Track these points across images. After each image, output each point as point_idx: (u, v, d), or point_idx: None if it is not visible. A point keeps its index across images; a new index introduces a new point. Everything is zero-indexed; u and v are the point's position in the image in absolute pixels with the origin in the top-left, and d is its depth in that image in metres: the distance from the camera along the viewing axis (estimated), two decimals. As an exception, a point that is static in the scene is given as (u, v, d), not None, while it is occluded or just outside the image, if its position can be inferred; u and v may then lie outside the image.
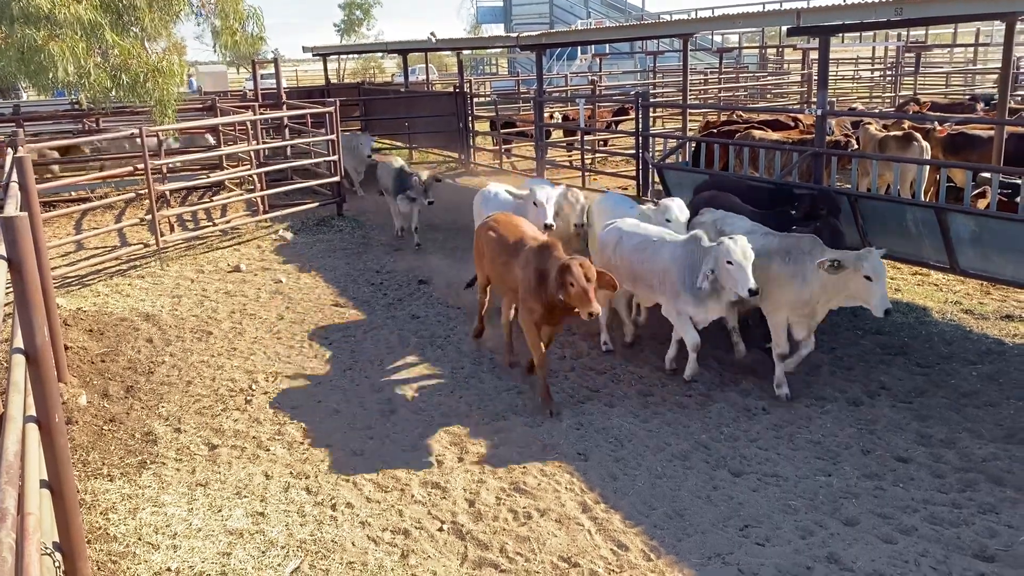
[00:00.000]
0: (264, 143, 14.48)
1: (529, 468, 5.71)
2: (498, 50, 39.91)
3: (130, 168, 11.97)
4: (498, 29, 48.12)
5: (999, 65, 11.77)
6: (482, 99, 21.72)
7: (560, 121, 17.95)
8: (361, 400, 6.95)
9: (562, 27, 38.34)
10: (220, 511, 5.33)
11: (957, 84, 23.64)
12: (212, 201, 14.05)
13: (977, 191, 9.01)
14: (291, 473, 5.79)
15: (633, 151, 13.28)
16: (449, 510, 5.27)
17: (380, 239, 12.42)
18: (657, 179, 11.75)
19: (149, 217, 11.08)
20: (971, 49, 25.23)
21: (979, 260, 7.62)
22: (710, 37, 34.79)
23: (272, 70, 19.80)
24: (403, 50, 21.47)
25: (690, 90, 16.37)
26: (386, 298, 9.66)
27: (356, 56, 41.40)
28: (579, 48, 34.07)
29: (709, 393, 6.71)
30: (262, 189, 13.30)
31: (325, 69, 23.92)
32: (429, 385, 7.21)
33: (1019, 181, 8.24)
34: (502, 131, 17.63)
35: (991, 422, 6.03)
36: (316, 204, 13.67)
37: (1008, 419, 6.04)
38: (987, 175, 9.27)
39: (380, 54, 37.01)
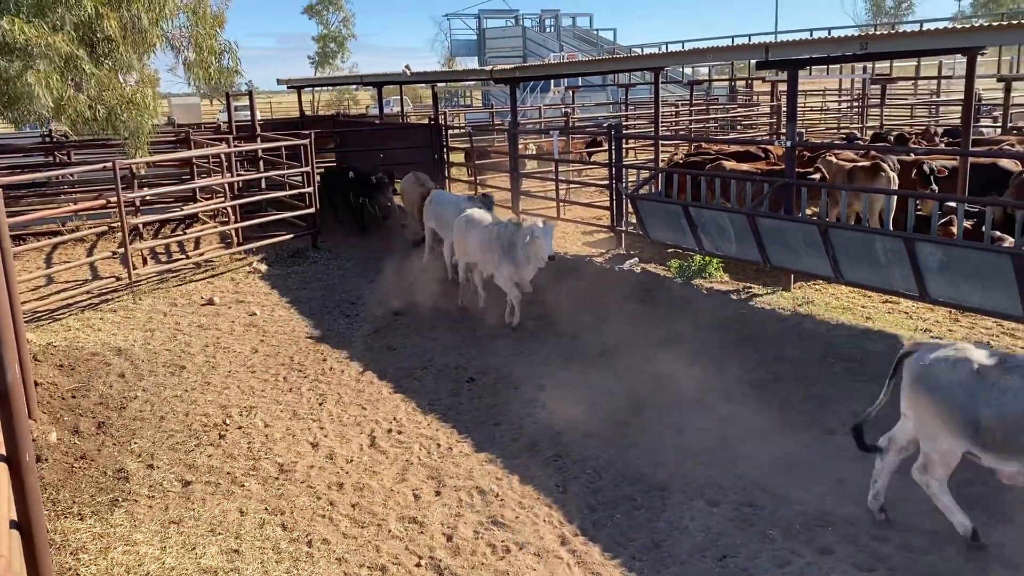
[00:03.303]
0: (238, 175, 14.44)
1: (507, 501, 5.69)
2: (472, 82, 40.27)
3: (103, 201, 11.88)
4: (472, 62, 48.53)
5: (962, 97, 12.06)
6: (457, 131, 21.86)
7: (535, 152, 18.11)
8: (338, 434, 6.90)
9: (535, 60, 38.78)
10: (194, 549, 5.25)
11: (921, 115, 24.17)
12: (185, 234, 13.96)
13: (944, 220, 9.19)
14: (266, 509, 5.72)
15: (607, 182, 13.40)
16: (427, 545, 5.23)
17: (355, 270, 12.39)
18: (631, 209, 11.86)
19: (121, 250, 10.99)
20: (934, 81, 25.82)
21: (947, 288, 7.74)
22: (681, 70, 35.35)
23: (246, 102, 19.82)
24: (378, 83, 21.58)
25: (661, 122, 16.58)
26: (362, 330, 9.63)
27: (330, 88, 41.56)
28: (552, 81, 34.46)
29: (684, 422, 6.74)
30: (236, 221, 13.24)
31: (300, 101, 23.97)
32: (406, 418, 7.18)
33: (984, 210, 8.41)
34: (477, 162, 17.73)
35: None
36: (291, 236, 13.62)
37: (979, 445, 6.11)
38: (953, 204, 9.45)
39: (355, 86, 37.17)
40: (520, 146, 16.67)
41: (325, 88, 39.67)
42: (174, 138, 16.69)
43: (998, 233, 8.42)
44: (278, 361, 8.66)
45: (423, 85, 34.78)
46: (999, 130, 15.99)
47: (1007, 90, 16.31)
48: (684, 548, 5.04)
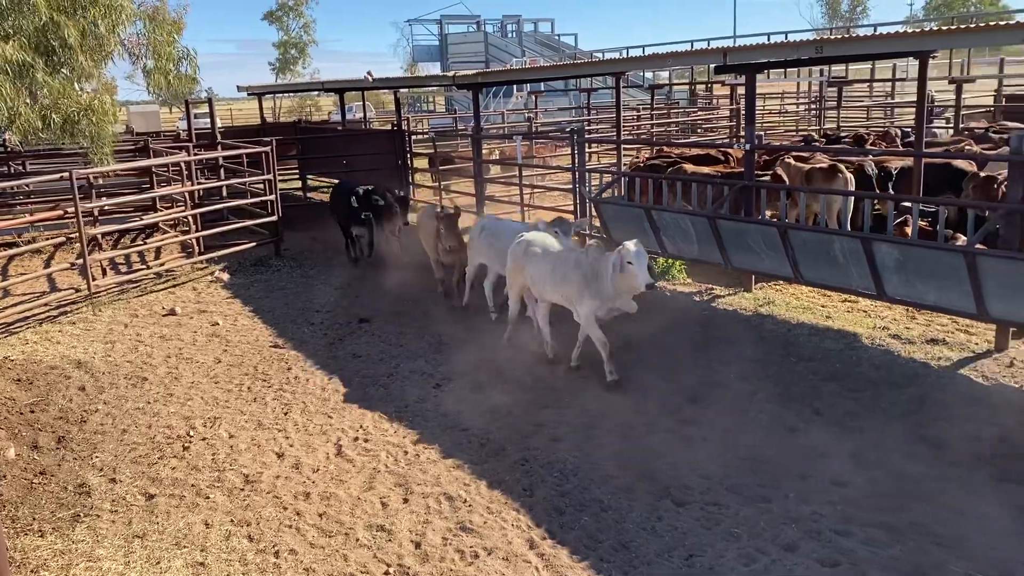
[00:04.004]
0: (199, 184, 14.28)
1: (475, 506, 5.70)
2: (435, 88, 40.24)
3: (60, 211, 11.68)
4: (434, 67, 48.55)
5: (915, 99, 12.32)
6: (420, 136, 21.83)
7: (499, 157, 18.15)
8: (303, 443, 6.86)
9: (498, 65, 38.90)
10: (159, 563, 5.18)
11: (877, 117, 24.65)
12: (146, 244, 13.77)
13: (899, 220, 9.38)
14: (232, 521, 5.67)
15: (570, 186, 13.48)
16: (395, 552, 5.22)
17: (319, 278, 12.32)
18: (595, 213, 11.94)
19: (80, 261, 10.81)
20: (889, 84, 26.35)
21: (904, 286, 7.91)
22: (642, 74, 35.66)
23: (206, 109, 19.61)
24: (340, 89, 21.49)
25: (623, 126, 16.72)
26: (327, 338, 9.57)
27: (292, 95, 41.26)
28: (515, 86, 34.56)
29: (652, 423, 6.80)
30: (197, 230, 13.10)
31: (260, 108, 23.78)
32: (373, 425, 7.16)
33: (937, 210, 8.60)
34: (441, 168, 17.72)
35: (922, 444, 6.24)
36: (253, 244, 13.51)
37: (937, 440, 6.26)
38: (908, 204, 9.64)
39: (316, 92, 36.94)
40: (484, 151, 16.71)
41: (286, 95, 39.39)
42: (133, 147, 16.46)
43: (952, 232, 8.63)
44: (242, 371, 8.57)
45: (386, 91, 34.70)
46: (951, 131, 16.36)
47: (958, 92, 16.68)
48: (651, 548, 5.08)
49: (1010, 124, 16.18)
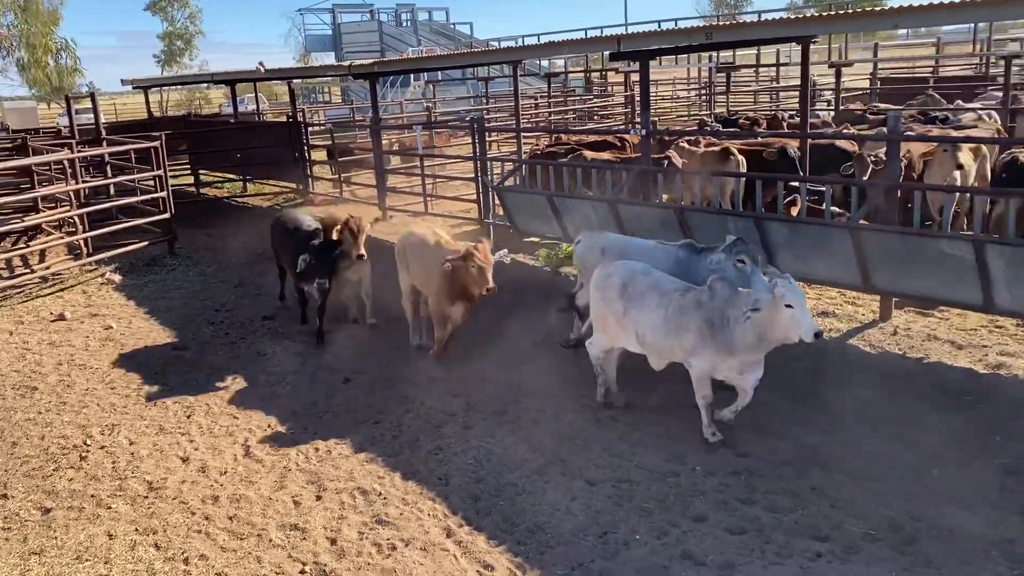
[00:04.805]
0: (84, 182, 13.62)
1: (390, 499, 5.68)
2: (330, 78, 39.49)
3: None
4: (328, 57, 47.63)
5: (799, 83, 12.86)
6: (317, 128, 21.41)
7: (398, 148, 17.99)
8: (209, 445, 6.67)
9: (393, 55, 38.47)
10: (59, 579, 4.96)
11: (764, 101, 25.59)
12: (29, 247, 13.05)
13: (789, 199, 9.78)
14: (137, 530, 5.47)
15: (472, 175, 13.50)
16: (310, 551, 5.15)
17: (218, 276, 11.96)
18: (498, 202, 12.00)
19: (-45, 268, 10.18)
20: (774, 69, 27.37)
21: (795, 262, 8.25)
22: (538, 62, 35.93)
23: (89, 104, 18.71)
24: (231, 80, 20.84)
25: (522, 114, 16.84)
26: (228, 337, 9.32)
27: (180, 87, 39.78)
28: (412, 75, 34.26)
29: (561, 406, 6.90)
30: (85, 231, 12.50)
31: (147, 102, 22.83)
32: (282, 424, 7.02)
33: (824, 189, 9.01)
34: (340, 159, 17.44)
35: (818, 413, 6.54)
36: (145, 243, 12.99)
37: (832, 409, 6.57)
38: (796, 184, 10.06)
39: (206, 84, 35.71)
40: (384, 142, 16.54)
41: (174, 88, 37.91)
42: (10, 145, 15.56)
43: (837, 209, 9.05)
44: (140, 375, 8.26)
45: (279, 82, 33.86)
46: (832, 113, 17.14)
47: (837, 75, 17.49)
48: (567, 528, 5.18)
49: (882, 105, 17.08)
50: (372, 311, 9.26)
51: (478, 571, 4.84)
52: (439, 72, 30.06)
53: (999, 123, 12.98)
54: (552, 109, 24.48)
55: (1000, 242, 6.77)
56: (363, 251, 8.49)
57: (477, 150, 12.80)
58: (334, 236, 8.65)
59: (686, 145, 11.93)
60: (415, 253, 8.15)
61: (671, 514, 5.27)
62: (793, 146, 11.09)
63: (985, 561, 4.62)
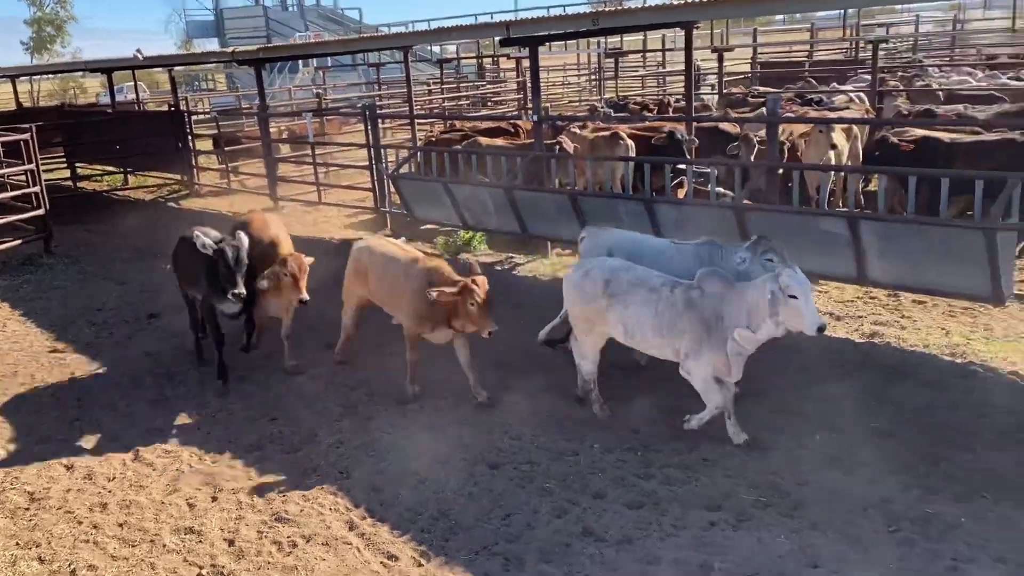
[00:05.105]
0: (-55, 178, 12.74)
1: (290, 495, 5.57)
2: (214, 65, 38.14)
3: None
4: (211, 44, 45.97)
5: (683, 68, 13.20)
6: (201, 116, 20.65)
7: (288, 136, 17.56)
8: (96, 451, 6.38)
9: (279, 40, 37.42)
10: (-68, 602, 4.66)
11: (651, 86, 26.18)
12: None
13: (676, 181, 10.07)
14: (18, 544, 5.20)
15: (366, 163, 13.32)
16: (207, 553, 5.01)
17: (99, 274, 11.40)
18: (394, 189, 11.90)
19: None
20: (660, 54, 28.01)
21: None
22: (429, 48, 35.68)
23: (-53, 95, 17.48)
24: (107, 68, 19.85)
25: (415, 100, 16.70)
26: (112, 337, 8.92)
27: (53, 76, 37.65)
28: (301, 62, 33.44)
29: (461, 393, 6.91)
30: (-52, 231, 11.71)
31: (15, 92, 21.53)
32: (173, 425, 6.78)
33: (709, 171, 9.30)
34: (227, 148, 16.88)
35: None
36: (18, 242, 12.26)
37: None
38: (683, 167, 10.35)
39: (80, 73, 33.89)
40: (273, 130, 16.11)
41: (45, 77, 35.85)
42: None
43: (723, 190, 9.38)
44: (17, 382, 7.81)
45: (160, 70, 32.48)
46: (717, 97, 17.70)
47: (720, 60, 18.04)
48: (470, 513, 5.21)
49: (762, 89, 17.74)
50: (292, 352, 7.75)
51: (382, 562, 4.81)
52: (329, 58, 29.47)
53: (867, 105, 13.69)
54: (445, 95, 24.37)
55: (872, 218, 7.17)
56: (306, 295, 7.16)
57: (370, 137, 12.63)
58: (265, 284, 7.21)
59: (577, 131, 12.10)
60: (380, 270, 7.10)
61: (571, 492, 5.36)
62: (682, 130, 11.39)
63: (864, 520, 4.90)
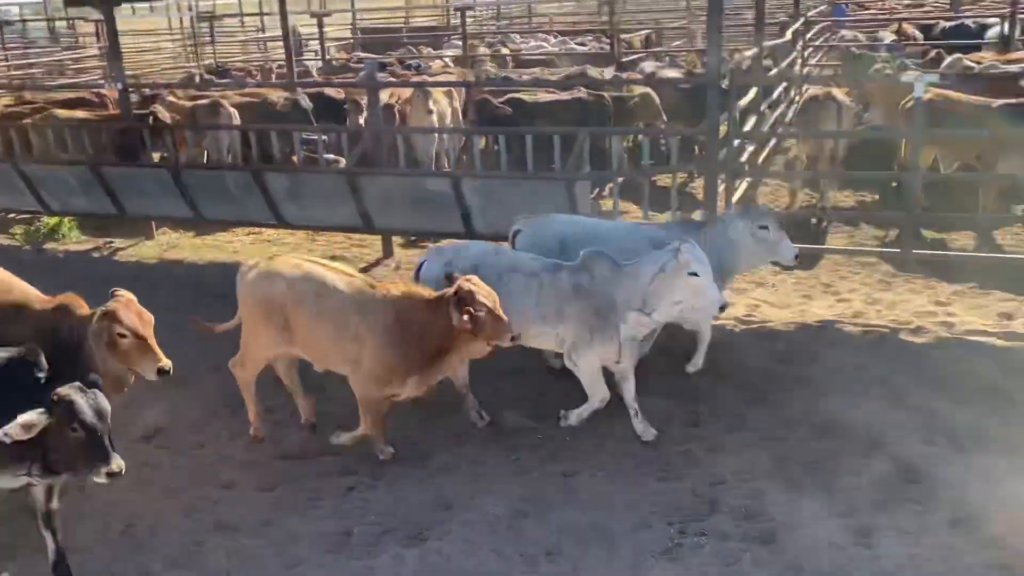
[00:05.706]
0: None
1: None
2: None
3: None
4: None
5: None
6: None
7: None
8: None
9: None
10: None
11: (253, 52, 25.18)
12: None
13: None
14: None
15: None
16: None
17: None
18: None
19: None
20: (258, 19, 27.01)
21: (300, 211, 8.38)
22: (-15, 8, 30.66)
23: None
24: None
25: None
26: None
27: None
28: None
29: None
30: None
31: None
32: None
33: (317, 137, 9.19)
34: None
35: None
36: None
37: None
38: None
39: None
40: None
41: None
42: None
43: (333, 156, 9.36)
44: None
45: None
46: (321, 63, 17.60)
47: (320, 25, 17.95)
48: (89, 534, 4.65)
49: (363, 54, 18.04)
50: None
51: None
52: None
53: (463, 69, 14.56)
54: (11, 63, 21.18)
55: (471, 175, 7.66)
56: (165, 361, 4.62)
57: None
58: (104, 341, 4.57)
59: (174, 99, 11.25)
60: (309, 306, 4.94)
61: (200, 487, 5.03)
62: (306, 97, 11.04)
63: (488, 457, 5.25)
